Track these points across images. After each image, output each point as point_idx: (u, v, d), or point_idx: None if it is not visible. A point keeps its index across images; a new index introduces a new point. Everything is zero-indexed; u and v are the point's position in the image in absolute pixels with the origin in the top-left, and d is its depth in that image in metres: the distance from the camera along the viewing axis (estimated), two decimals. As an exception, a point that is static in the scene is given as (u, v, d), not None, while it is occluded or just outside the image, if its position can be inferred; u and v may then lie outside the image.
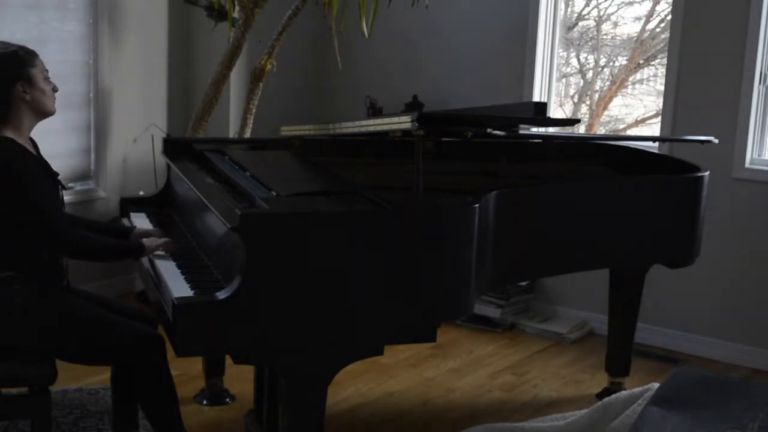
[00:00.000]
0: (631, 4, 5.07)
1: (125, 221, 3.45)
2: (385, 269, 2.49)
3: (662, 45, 4.89)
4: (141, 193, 4.44)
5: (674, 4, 4.52)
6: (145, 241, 2.90)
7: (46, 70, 2.82)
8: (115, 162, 4.98)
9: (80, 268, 2.98)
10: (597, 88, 5.26)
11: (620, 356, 3.93)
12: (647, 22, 5.02)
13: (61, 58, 4.57)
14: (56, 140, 4.55)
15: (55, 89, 2.84)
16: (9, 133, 2.73)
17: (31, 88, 2.75)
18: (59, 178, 2.86)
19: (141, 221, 3.37)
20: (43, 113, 2.82)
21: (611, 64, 5.22)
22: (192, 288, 2.60)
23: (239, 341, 2.41)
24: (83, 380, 3.75)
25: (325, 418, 2.58)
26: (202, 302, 2.40)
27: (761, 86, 4.34)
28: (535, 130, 4.16)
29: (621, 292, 3.86)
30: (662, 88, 4.64)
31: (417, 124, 2.62)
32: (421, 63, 5.32)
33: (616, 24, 5.15)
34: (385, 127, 2.86)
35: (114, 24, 4.85)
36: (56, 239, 2.70)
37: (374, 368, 4.11)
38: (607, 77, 5.23)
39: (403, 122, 2.71)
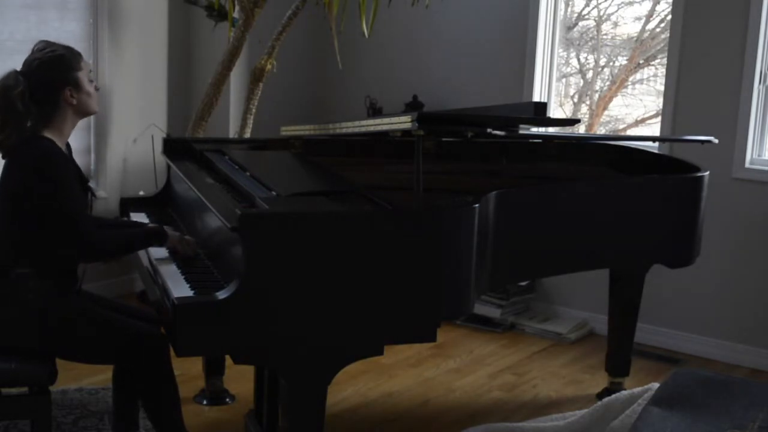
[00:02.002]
0: (631, 4, 5.07)
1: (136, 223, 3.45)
2: (385, 269, 2.49)
3: (662, 45, 4.89)
4: (141, 193, 4.44)
5: (674, 4, 4.52)
6: (170, 231, 2.89)
7: (90, 71, 2.84)
8: (115, 162, 4.98)
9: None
10: (597, 88, 5.26)
11: (620, 356, 3.93)
12: (647, 22, 5.02)
13: (61, 58, 4.57)
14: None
15: (97, 88, 2.86)
16: (49, 134, 2.74)
17: (78, 93, 2.76)
18: (89, 184, 2.88)
19: (141, 221, 3.37)
20: (87, 114, 2.85)
21: (611, 64, 5.22)
22: (192, 288, 2.60)
23: (239, 341, 2.41)
24: (83, 380, 3.75)
25: (325, 418, 2.58)
26: (202, 302, 2.40)
27: (761, 86, 4.34)
28: (535, 130, 4.16)
29: (621, 292, 3.86)
30: (662, 88, 4.64)
31: (417, 124, 2.61)
32: (421, 63, 5.32)
33: (616, 24, 5.15)
34: (385, 127, 2.86)
35: (114, 24, 4.85)
36: (82, 244, 2.69)
37: (374, 368, 4.11)
38: (607, 77, 5.23)
39: (403, 122, 2.71)
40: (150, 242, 2.90)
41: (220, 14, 4.75)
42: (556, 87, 5.07)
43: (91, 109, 2.84)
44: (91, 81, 2.82)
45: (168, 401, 2.81)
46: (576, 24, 5.19)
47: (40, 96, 2.71)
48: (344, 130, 3.22)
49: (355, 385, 3.94)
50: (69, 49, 2.80)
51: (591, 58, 5.27)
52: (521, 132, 3.40)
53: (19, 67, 2.79)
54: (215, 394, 3.70)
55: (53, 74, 2.73)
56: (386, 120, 2.87)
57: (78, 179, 2.79)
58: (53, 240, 2.68)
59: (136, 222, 3.24)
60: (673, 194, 3.52)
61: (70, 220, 2.66)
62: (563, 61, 5.18)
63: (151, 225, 3.07)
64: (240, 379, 3.75)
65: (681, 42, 4.50)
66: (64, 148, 2.80)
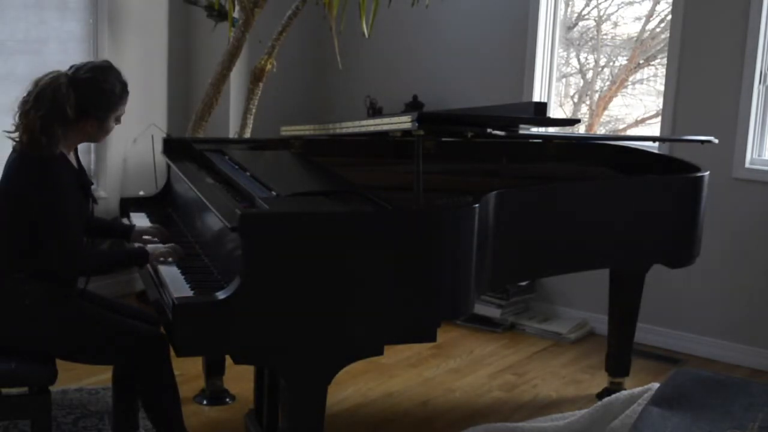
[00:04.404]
0: (631, 4, 5.07)
1: (125, 221, 3.45)
2: (385, 269, 2.49)
3: (662, 45, 4.89)
4: (141, 193, 4.44)
5: (674, 4, 4.52)
6: (149, 247, 2.88)
7: (124, 112, 2.86)
8: (115, 162, 4.98)
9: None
10: (597, 88, 5.26)
11: (620, 356, 3.93)
12: (647, 22, 5.02)
13: (61, 58, 4.56)
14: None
15: (119, 122, 2.88)
16: (59, 144, 2.72)
17: (97, 128, 2.79)
18: (92, 188, 2.89)
19: (141, 221, 3.37)
20: (91, 142, 2.93)
21: (611, 64, 5.22)
22: (192, 288, 2.60)
23: (239, 341, 2.41)
24: (83, 380, 3.75)
25: (325, 418, 2.58)
26: (202, 302, 2.40)
27: (761, 86, 4.34)
28: (535, 130, 4.16)
29: (621, 292, 3.86)
30: (662, 88, 4.64)
31: (417, 124, 2.62)
32: (421, 63, 5.32)
33: (616, 24, 5.15)
34: (385, 127, 2.86)
35: (114, 24, 4.85)
36: (65, 262, 2.69)
37: (374, 368, 4.11)
38: (607, 77, 5.23)
39: (403, 122, 2.71)
40: (130, 265, 2.93)
41: (220, 14, 4.75)
42: (556, 87, 5.07)
43: (98, 141, 2.96)
44: (117, 119, 2.84)
45: (168, 401, 2.81)
46: (576, 24, 5.19)
47: (75, 110, 2.72)
48: (344, 130, 3.22)
49: (355, 385, 3.94)
50: (120, 87, 2.81)
51: (591, 58, 5.27)
52: (521, 132, 3.40)
53: (20, 66, 2.77)
54: (215, 394, 3.70)
55: (91, 103, 2.73)
56: (386, 120, 2.87)
57: (80, 186, 2.78)
58: (41, 252, 2.67)
59: (123, 225, 3.22)
60: (673, 194, 3.52)
61: (59, 238, 2.65)
62: (563, 61, 5.18)
63: (133, 236, 3.07)
64: (240, 379, 3.75)
65: (681, 42, 4.50)
66: (72, 155, 2.81)
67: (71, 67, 2.79)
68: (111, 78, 2.79)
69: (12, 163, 2.72)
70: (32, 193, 2.65)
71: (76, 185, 2.75)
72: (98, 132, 2.81)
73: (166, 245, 2.92)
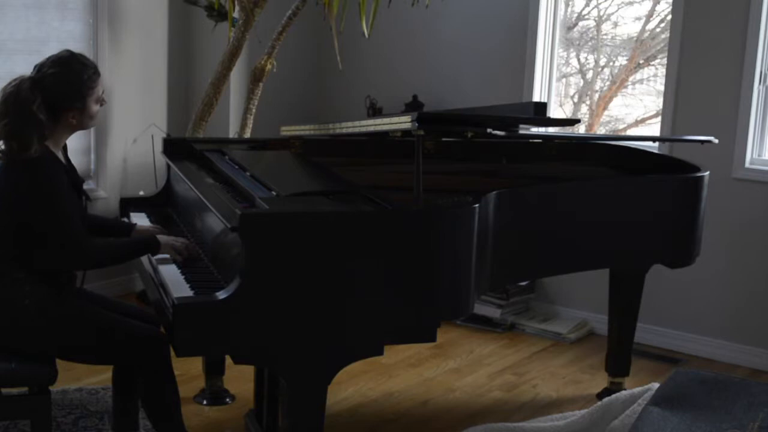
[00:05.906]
0: (631, 4, 5.07)
1: (125, 221, 3.45)
2: (384, 269, 2.49)
3: (662, 45, 4.89)
4: (141, 193, 4.44)
5: (674, 4, 4.52)
6: (160, 237, 2.88)
7: (103, 91, 2.81)
8: (115, 162, 4.98)
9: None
10: (597, 88, 5.26)
11: (620, 356, 3.93)
12: (647, 22, 5.02)
13: (61, 58, 4.57)
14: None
15: (104, 103, 2.84)
16: (46, 143, 2.72)
17: (81, 115, 2.76)
18: (91, 188, 2.87)
19: (141, 221, 3.37)
20: (82, 129, 2.85)
21: (611, 64, 5.22)
22: (192, 288, 2.60)
23: (239, 341, 2.41)
24: (83, 380, 3.75)
25: (325, 418, 2.58)
26: (202, 302, 2.40)
27: (761, 86, 4.34)
28: (535, 130, 4.16)
29: (621, 292, 3.86)
30: (662, 88, 4.64)
31: (417, 124, 2.62)
32: (421, 63, 5.32)
33: (616, 24, 5.15)
34: (385, 127, 2.86)
35: (114, 24, 4.85)
36: (76, 257, 2.70)
37: (374, 368, 4.11)
38: (607, 77, 5.23)
39: (403, 122, 2.71)
40: (142, 252, 2.90)
41: (220, 14, 4.75)
42: (556, 87, 5.07)
43: (87, 128, 2.86)
44: (98, 101, 2.79)
45: (168, 401, 2.81)
46: (576, 24, 5.19)
47: (44, 109, 2.70)
48: (344, 130, 3.22)
49: (355, 385, 3.94)
50: (87, 71, 2.75)
51: (591, 58, 5.27)
52: (521, 132, 3.40)
53: (20, 66, 2.76)
54: (215, 394, 3.70)
55: (63, 96, 2.71)
56: (386, 120, 2.87)
57: (72, 185, 2.77)
58: (48, 253, 2.67)
59: (125, 224, 3.23)
60: (673, 194, 3.52)
61: (63, 235, 2.65)
62: (563, 61, 5.18)
63: (143, 235, 3.04)
64: (240, 379, 3.75)
65: (681, 42, 4.50)
66: (60, 152, 2.80)
67: (35, 67, 2.77)
68: (74, 67, 2.74)
69: (5, 171, 2.71)
70: (25, 195, 2.64)
71: (67, 182, 2.74)
72: (82, 120, 2.77)
73: (178, 239, 2.92)
